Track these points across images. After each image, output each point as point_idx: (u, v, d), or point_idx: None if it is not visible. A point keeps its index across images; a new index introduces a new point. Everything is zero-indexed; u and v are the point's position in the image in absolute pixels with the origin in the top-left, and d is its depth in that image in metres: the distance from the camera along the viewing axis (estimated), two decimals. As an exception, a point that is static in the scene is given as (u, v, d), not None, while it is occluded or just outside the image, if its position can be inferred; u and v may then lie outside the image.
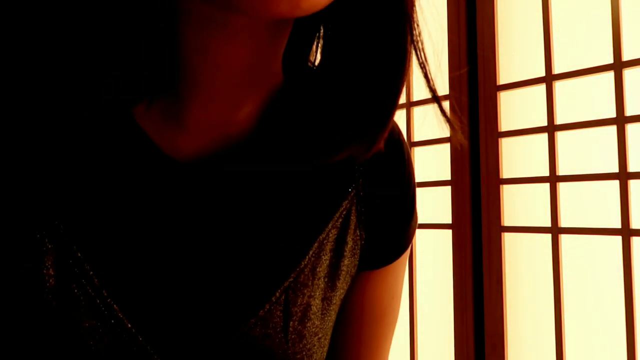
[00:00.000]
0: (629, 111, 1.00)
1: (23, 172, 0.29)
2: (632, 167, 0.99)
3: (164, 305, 0.31)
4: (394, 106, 0.32)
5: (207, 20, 0.28)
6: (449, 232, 1.27)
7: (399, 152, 0.40)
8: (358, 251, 0.38)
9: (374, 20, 0.31)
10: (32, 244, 0.28)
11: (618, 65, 0.99)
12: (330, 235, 0.36)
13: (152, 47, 0.27)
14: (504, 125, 1.19)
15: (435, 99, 0.33)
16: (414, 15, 0.32)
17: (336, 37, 0.33)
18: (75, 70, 0.27)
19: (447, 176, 1.28)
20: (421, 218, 1.34)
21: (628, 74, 1.00)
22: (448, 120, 0.34)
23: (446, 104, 1.26)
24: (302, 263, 0.34)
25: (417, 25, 0.32)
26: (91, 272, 0.29)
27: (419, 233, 1.35)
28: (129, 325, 0.29)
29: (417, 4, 0.32)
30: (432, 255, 1.33)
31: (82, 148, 0.30)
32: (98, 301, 0.29)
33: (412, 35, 0.32)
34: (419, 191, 1.34)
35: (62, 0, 0.26)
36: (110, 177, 0.30)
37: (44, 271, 0.28)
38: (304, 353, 0.34)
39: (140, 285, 0.30)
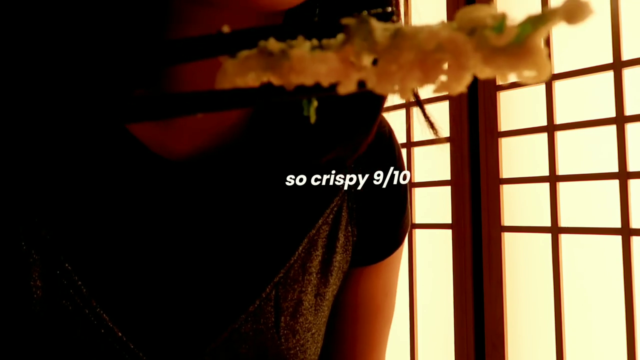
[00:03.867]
0: (628, 111, 1.00)
1: (8, 181, 0.28)
2: (632, 167, 0.99)
3: (154, 308, 0.30)
4: (378, 109, 0.32)
5: (196, 25, 0.28)
6: (449, 232, 1.27)
7: (389, 148, 0.40)
8: (350, 247, 0.38)
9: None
10: (19, 256, 0.28)
11: (618, 65, 1.00)
12: (322, 231, 0.36)
13: (137, 50, 0.28)
14: (504, 125, 1.19)
15: (418, 103, 0.34)
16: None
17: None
18: (58, 68, 0.27)
19: (447, 176, 1.28)
20: (421, 218, 1.34)
21: (628, 73, 1.00)
22: (431, 124, 0.34)
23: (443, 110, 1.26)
24: (292, 259, 0.35)
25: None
26: (79, 282, 0.29)
27: (419, 233, 1.35)
28: (120, 334, 0.29)
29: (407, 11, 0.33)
30: (432, 255, 1.33)
31: (69, 156, 0.30)
32: (87, 311, 0.29)
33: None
34: (419, 191, 1.35)
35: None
36: (97, 183, 0.30)
37: (31, 283, 0.28)
38: (298, 349, 0.34)
39: (129, 291, 0.30)
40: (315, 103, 0.12)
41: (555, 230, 1.08)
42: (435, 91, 0.10)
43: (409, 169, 1.35)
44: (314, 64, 0.10)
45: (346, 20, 0.10)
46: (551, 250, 1.09)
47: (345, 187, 0.38)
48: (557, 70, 1.11)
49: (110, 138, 0.30)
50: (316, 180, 0.36)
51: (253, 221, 0.34)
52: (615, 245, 1.02)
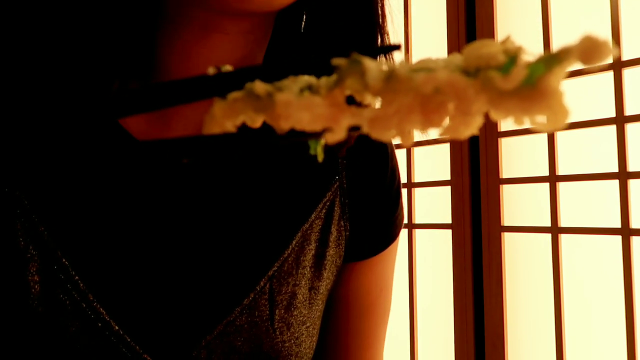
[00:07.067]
0: (628, 111, 0.99)
1: (5, 178, 0.29)
2: (632, 167, 0.98)
3: (150, 301, 0.31)
4: None
5: (187, 26, 0.28)
6: (449, 232, 1.26)
7: (382, 144, 0.41)
8: (343, 242, 0.39)
9: (343, 18, 0.33)
10: (17, 251, 0.28)
11: (618, 65, 0.99)
12: (315, 225, 0.36)
13: (128, 48, 0.28)
14: (504, 124, 1.19)
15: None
16: (385, 22, 0.34)
17: (312, 33, 0.34)
18: (50, 64, 0.27)
19: (447, 176, 1.27)
20: (421, 218, 1.34)
21: (628, 73, 1.00)
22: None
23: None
24: (286, 252, 0.35)
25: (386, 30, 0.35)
26: (76, 277, 0.29)
27: (418, 233, 1.35)
28: (116, 328, 0.30)
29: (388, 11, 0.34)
30: (432, 255, 1.33)
31: (65, 153, 0.30)
32: (84, 305, 0.29)
33: (381, 33, 0.34)
34: (419, 191, 1.34)
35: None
36: (93, 180, 0.30)
37: (29, 278, 0.28)
38: (292, 342, 0.35)
39: (125, 285, 0.30)
40: (322, 140, 0.11)
41: (555, 230, 1.07)
42: (442, 135, 0.09)
43: (409, 168, 1.34)
44: (298, 111, 0.09)
45: (337, 61, 0.09)
46: (551, 250, 1.08)
47: (338, 183, 0.38)
48: (556, 69, 1.10)
49: (104, 134, 0.31)
50: (309, 174, 0.36)
51: (247, 215, 0.34)
52: (615, 245, 1.02)
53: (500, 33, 1.21)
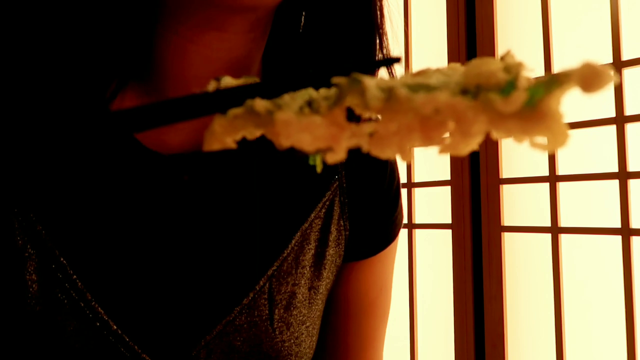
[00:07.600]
0: (628, 111, 0.99)
1: (4, 177, 0.29)
2: (632, 167, 0.98)
3: (149, 301, 0.31)
4: None
5: (186, 21, 0.28)
6: (449, 232, 1.26)
7: None
8: (343, 241, 0.39)
9: (341, 22, 0.33)
10: (14, 250, 0.28)
11: (618, 65, 0.99)
12: (314, 225, 0.36)
13: (126, 44, 0.28)
14: (504, 125, 1.19)
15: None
16: (383, 23, 0.34)
17: (310, 35, 0.34)
18: (49, 65, 0.27)
19: (447, 176, 1.27)
20: (421, 218, 1.34)
21: (628, 73, 0.99)
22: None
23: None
24: (285, 252, 0.35)
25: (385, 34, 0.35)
26: (74, 276, 0.29)
27: (418, 233, 1.35)
28: (115, 327, 0.29)
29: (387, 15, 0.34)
30: (432, 255, 1.33)
31: (63, 151, 0.30)
32: (82, 304, 0.29)
33: (380, 40, 0.34)
34: (419, 191, 1.34)
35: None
36: (92, 178, 0.30)
37: (27, 277, 0.28)
38: (292, 341, 0.35)
39: (124, 284, 0.30)
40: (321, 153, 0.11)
41: (555, 230, 1.07)
42: (441, 152, 0.09)
43: (409, 168, 1.34)
44: (299, 132, 0.09)
45: (337, 80, 0.09)
46: (551, 250, 1.08)
47: (337, 182, 0.38)
48: (556, 70, 1.10)
49: (104, 135, 0.30)
50: (308, 173, 0.36)
51: (246, 214, 0.34)
52: (615, 245, 1.02)
53: (500, 33, 1.21)
